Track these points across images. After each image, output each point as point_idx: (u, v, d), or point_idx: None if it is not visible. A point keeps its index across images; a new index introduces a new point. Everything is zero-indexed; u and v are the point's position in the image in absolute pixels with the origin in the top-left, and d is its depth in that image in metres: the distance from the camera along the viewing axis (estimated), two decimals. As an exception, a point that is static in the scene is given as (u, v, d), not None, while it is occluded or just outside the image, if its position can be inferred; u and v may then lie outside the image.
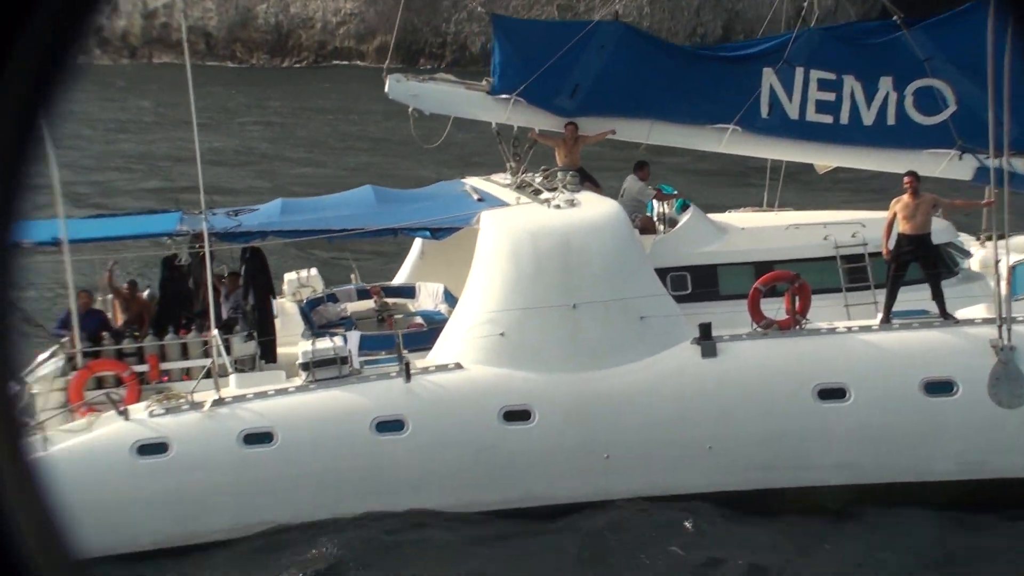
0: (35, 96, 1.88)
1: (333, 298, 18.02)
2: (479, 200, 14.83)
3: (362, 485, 12.25)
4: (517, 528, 12.20)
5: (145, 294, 15.57)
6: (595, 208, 13.62)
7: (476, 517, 12.25)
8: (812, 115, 14.92)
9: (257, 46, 69.38)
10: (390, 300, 18.12)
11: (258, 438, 12.03)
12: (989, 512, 12.17)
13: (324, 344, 12.79)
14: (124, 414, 11.87)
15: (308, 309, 16.59)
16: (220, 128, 44.62)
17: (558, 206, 13.59)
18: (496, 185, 16.31)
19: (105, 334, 13.73)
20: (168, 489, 11.72)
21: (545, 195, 14.50)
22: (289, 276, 18.01)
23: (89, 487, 11.51)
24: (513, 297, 12.91)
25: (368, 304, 18.13)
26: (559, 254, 12.98)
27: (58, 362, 13.74)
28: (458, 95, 15.89)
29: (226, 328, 14.12)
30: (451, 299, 17.12)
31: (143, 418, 11.88)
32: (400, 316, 16.61)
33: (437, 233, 14.08)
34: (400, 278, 19.31)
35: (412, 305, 17.92)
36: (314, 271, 18.61)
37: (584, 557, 11.71)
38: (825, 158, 15.83)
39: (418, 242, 19.12)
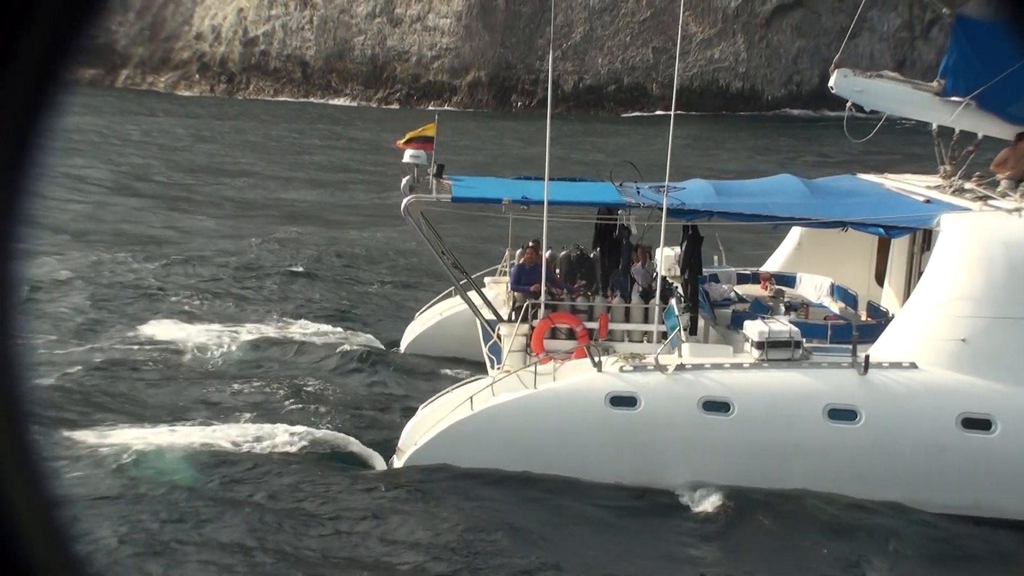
0: (36, 99, 1.86)
1: (716, 278, 18.47)
2: (926, 202, 14.68)
3: (810, 467, 12.58)
4: None
5: (547, 254, 16.59)
6: None
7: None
8: None
9: (352, 77, 70.04)
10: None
11: (716, 406, 12.62)
12: None
13: (780, 327, 13.18)
14: (599, 366, 12.82)
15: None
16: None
17: None
18: (915, 185, 16.07)
19: (559, 290, 14.86)
20: (634, 440, 12.56)
21: (1002, 203, 14.16)
22: (666, 252, 18.65)
23: (566, 427, 12.59)
24: (980, 305, 12.72)
25: (752, 288, 18.44)
26: None
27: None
28: (905, 93, 15.77)
29: (647, 297, 14.90)
30: (841, 294, 17.09)
31: (616, 372, 12.77)
32: (810, 306, 16.77)
33: (891, 231, 14.09)
34: (772, 265, 19.47)
35: (790, 294, 18.05)
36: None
37: None
38: None
39: (795, 232, 19.15)
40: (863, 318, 15.58)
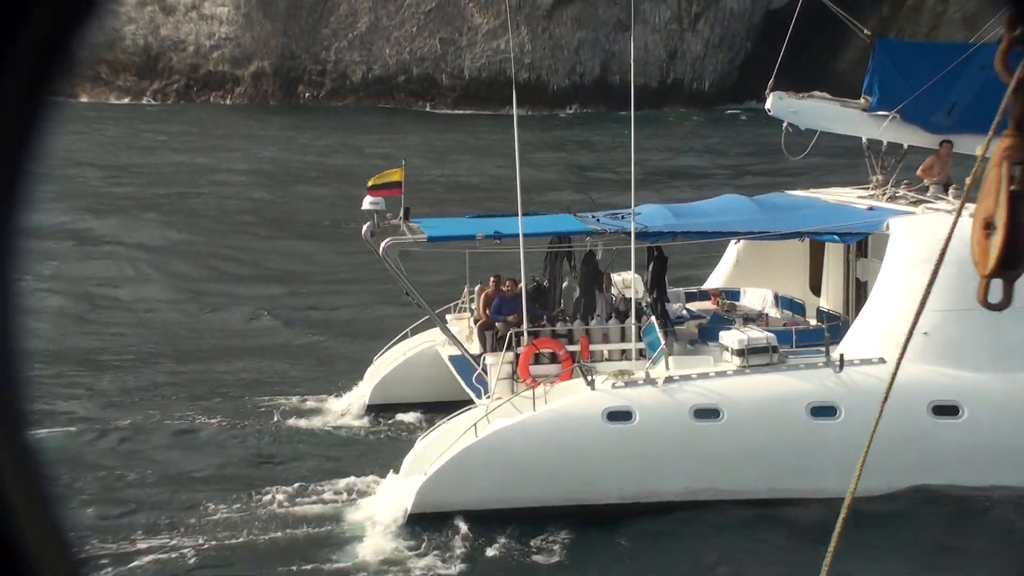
0: (35, 92, 1.85)
1: (666, 298, 19.26)
2: (869, 209, 15.75)
3: (798, 464, 13.26)
4: None
5: (520, 286, 17.03)
6: None
7: None
8: None
9: (124, 68, 67.19)
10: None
11: (707, 413, 13.20)
12: None
13: (757, 334, 13.91)
14: (592, 384, 13.25)
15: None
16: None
17: (971, 215, 14.32)
18: (848, 196, 17.20)
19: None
20: (633, 452, 13.01)
21: (939, 205, 15.34)
22: (615, 277, 19.33)
23: (567, 446, 12.95)
24: (936, 299, 13.64)
25: (702, 304, 19.28)
26: None
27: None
28: (835, 112, 16.90)
29: (622, 318, 15.48)
30: (786, 303, 18.07)
31: (608, 388, 13.21)
32: (768, 316, 17.60)
33: (845, 237, 15.07)
34: (714, 282, 20.39)
35: (740, 307, 18.97)
36: (629, 274, 19.91)
37: None
38: None
39: (732, 249, 20.17)
40: (813, 323, 16.52)
